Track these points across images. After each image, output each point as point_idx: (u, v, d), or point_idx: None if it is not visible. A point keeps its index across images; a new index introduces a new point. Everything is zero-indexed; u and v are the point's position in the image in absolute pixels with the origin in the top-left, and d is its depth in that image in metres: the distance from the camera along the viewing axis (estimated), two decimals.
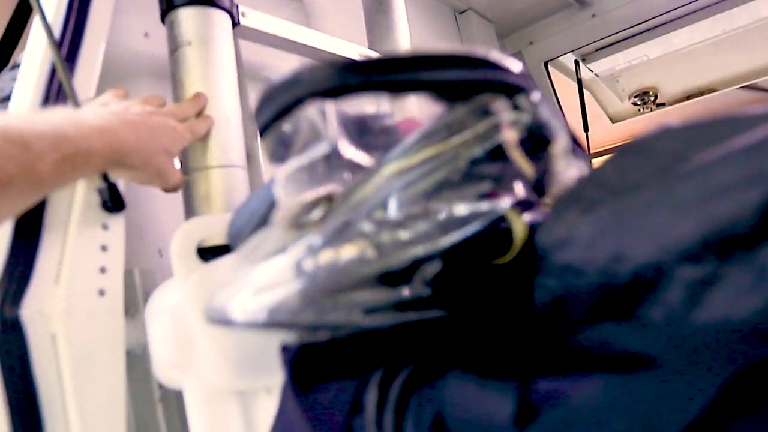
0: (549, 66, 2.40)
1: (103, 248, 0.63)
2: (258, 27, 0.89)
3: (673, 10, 2.12)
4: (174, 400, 0.72)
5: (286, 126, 0.33)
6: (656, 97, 3.07)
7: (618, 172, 0.35)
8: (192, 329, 0.52)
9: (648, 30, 2.30)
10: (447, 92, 0.34)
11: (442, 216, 0.34)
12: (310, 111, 0.32)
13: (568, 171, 0.42)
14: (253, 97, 0.83)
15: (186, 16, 0.79)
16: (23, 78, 0.69)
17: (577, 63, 2.50)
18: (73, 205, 0.62)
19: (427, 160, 0.35)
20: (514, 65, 0.37)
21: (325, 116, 0.32)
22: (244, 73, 0.95)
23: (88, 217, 0.62)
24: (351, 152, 0.33)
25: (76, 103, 0.61)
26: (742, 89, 2.83)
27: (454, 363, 0.29)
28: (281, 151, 0.35)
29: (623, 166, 0.35)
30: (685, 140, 0.34)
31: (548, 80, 2.37)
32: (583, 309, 0.31)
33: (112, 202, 0.63)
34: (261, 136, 0.35)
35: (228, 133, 0.78)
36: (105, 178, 0.62)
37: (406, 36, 1.21)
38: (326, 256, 0.32)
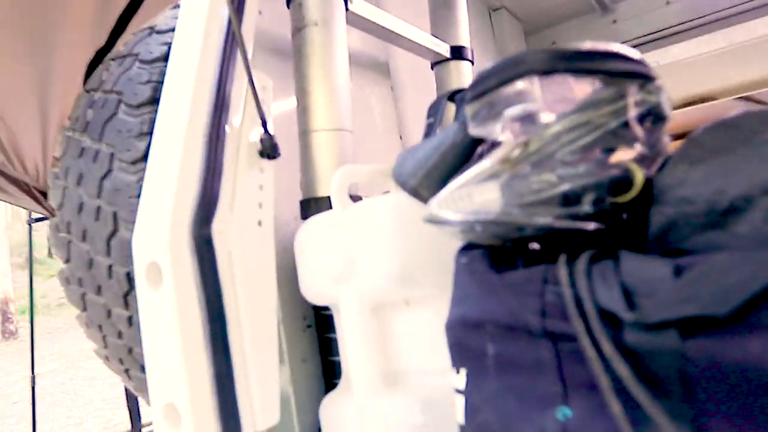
0: None
1: (260, 187, 0.78)
2: (362, 13, 1.03)
3: (686, 21, 2.28)
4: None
5: (499, 93, 0.48)
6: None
7: (712, 139, 0.51)
8: (357, 251, 0.67)
9: (661, 38, 2.46)
10: (609, 77, 0.49)
11: (599, 161, 0.50)
12: (525, 83, 0.47)
13: (667, 141, 0.58)
14: None
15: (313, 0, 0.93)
16: (187, 39, 0.82)
17: None
18: (240, 150, 0.76)
19: (587, 123, 0.50)
20: (644, 59, 0.53)
21: (534, 86, 0.47)
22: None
23: (251, 161, 0.77)
24: (545, 114, 0.49)
25: (247, 63, 0.75)
26: (740, 100, 3.03)
27: (616, 249, 0.45)
28: (485, 112, 0.50)
29: (716, 136, 0.51)
30: (758, 120, 0.50)
31: None
32: (690, 227, 0.47)
33: (269, 150, 0.77)
34: (474, 99, 0.50)
35: (341, 102, 0.93)
36: (265, 129, 0.77)
37: (467, 32, 1.36)
38: (527, 180, 0.47)
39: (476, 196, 0.48)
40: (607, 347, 0.40)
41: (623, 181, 0.51)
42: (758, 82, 2.86)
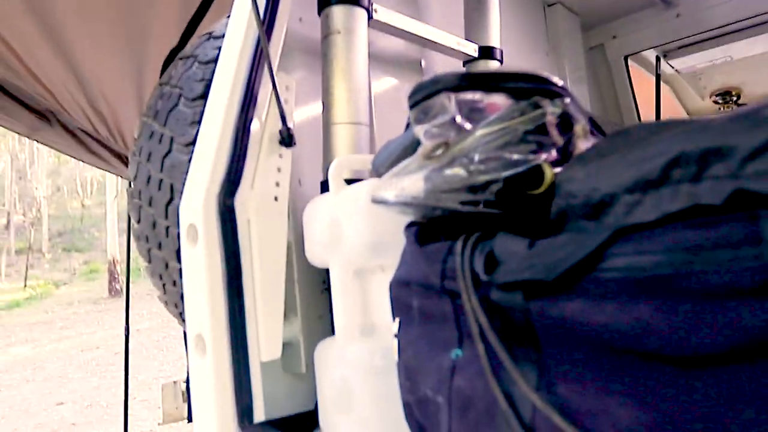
0: (629, 60, 2.54)
1: (278, 169, 0.96)
2: (387, 21, 1.18)
3: (759, 15, 2.20)
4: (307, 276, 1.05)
5: (429, 103, 0.62)
6: (739, 97, 3.12)
7: (608, 144, 0.62)
8: (341, 222, 0.83)
9: (733, 32, 2.39)
10: (517, 94, 0.62)
11: (505, 160, 0.62)
12: (443, 97, 0.60)
13: (584, 143, 0.70)
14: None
15: (337, 11, 1.09)
16: (230, 47, 1.01)
17: (658, 59, 2.62)
18: (264, 138, 0.95)
19: (501, 129, 0.63)
20: (557, 80, 0.64)
21: (451, 100, 0.61)
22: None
23: (271, 147, 0.95)
24: (460, 120, 0.62)
25: (271, 69, 0.92)
26: None
27: (500, 230, 0.58)
28: (421, 117, 0.64)
29: (612, 141, 0.62)
30: (648, 130, 0.61)
31: (626, 74, 2.52)
32: (574, 216, 0.59)
33: (287, 140, 0.95)
34: (411, 108, 0.65)
35: (359, 100, 1.08)
36: (283, 121, 0.95)
37: (497, 33, 1.47)
38: (443, 173, 0.61)
39: (406, 183, 0.63)
40: (471, 301, 0.54)
41: (536, 174, 0.64)
42: None
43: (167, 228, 1.10)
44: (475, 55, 1.44)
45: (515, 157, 0.62)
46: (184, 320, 1.22)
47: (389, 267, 0.84)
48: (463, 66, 1.49)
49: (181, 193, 1.00)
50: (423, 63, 1.51)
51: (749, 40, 2.44)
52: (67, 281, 18.03)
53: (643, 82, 2.61)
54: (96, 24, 2.06)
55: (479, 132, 0.62)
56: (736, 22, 2.27)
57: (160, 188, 1.11)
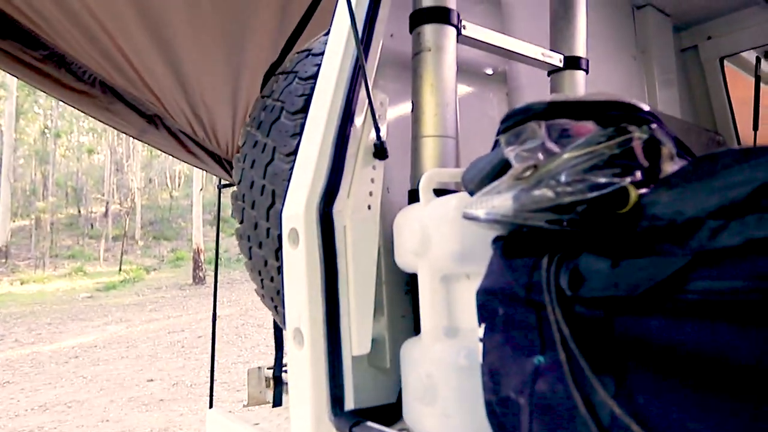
0: (726, 61, 2.44)
1: (372, 180, 1.04)
2: (474, 36, 1.23)
3: None
4: (396, 281, 1.13)
5: (519, 128, 0.67)
6: None
7: (693, 168, 0.65)
8: (430, 231, 0.90)
9: None
10: (604, 121, 0.66)
11: (590, 182, 0.67)
12: (533, 124, 0.66)
13: (670, 166, 0.72)
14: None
15: (428, 29, 1.16)
16: (329, 65, 1.10)
17: (758, 60, 2.49)
18: (359, 151, 1.03)
19: (587, 153, 0.67)
20: (644, 106, 0.68)
21: (541, 127, 0.66)
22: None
23: (366, 159, 1.04)
24: (549, 145, 0.67)
25: (367, 86, 1.00)
26: None
27: (584, 249, 0.62)
28: (512, 140, 0.69)
29: (697, 167, 0.65)
30: (734, 156, 0.63)
31: (721, 76, 2.42)
32: (659, 237, 0.63)
33: (380, 153, 1.03)
34: (502, 132, 0.70)
35: (447, 114, 1.15)
36: (378, 135, 1.02)
37: (583, 42, 1.48)
38: (531, 193, 0.66)
39: (496, 201, 0.69)
40: (556, 313, 0.59)
41: (621, 195, 0.68)
42: None
43: (268, 229, 1.22)
44: (560, 65, 1.46)
45: (601, 179, 0.66)
46: (278, 313, 1.33)
47: (474, 275, 0.90)
48: (548, 75, 1.51)
49: (282, 198, 1.11)
50: (508, 73, 1.55)
51: None
52: (156, 267, 19.31)
53: (740, 83, 2.49)
54: (201, 36, 2.24)
55: (566, 155, 0.67)
56: None
57: (262, 193, 1.23)
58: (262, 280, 1.32)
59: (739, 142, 2.47)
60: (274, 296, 1.31)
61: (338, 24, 1.16)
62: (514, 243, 0.70)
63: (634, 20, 2.25)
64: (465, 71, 1.41)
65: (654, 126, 0.67)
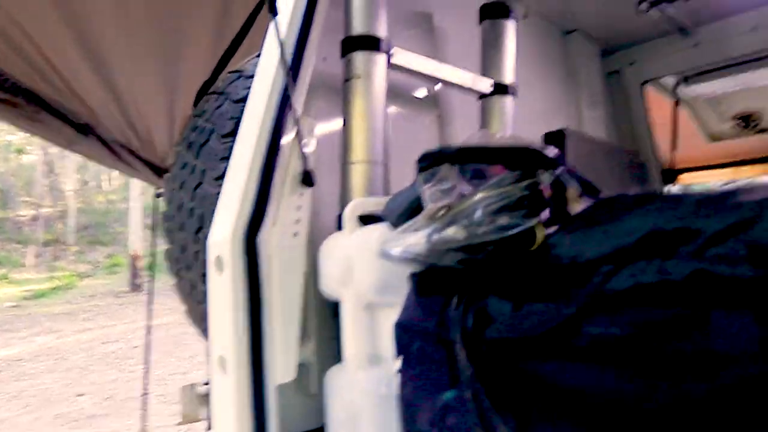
0: (648, 85, 2.58)
1: (298, 207, 1.05)
2: (404, 63, 1.26)
3: None
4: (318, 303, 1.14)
5: (434, 170, 0.70)
6: (759, 121, 3.13)
7: (593, 213, 0.70)
8: (354, 261, 0.92)
9: (752, 61, 2.41)
10: (513, 165, 0.69)
11: (500, 222, 0.70)
12: (446, 166, 0.69)
13: (576, 205, 0.77)
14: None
15: (359, 57, 1.18)
16: (258, 89, 1.10)
17: (676, 85, 2.65)
18: (287, 178, 1.04)
19: (497, 195, 0.71)
20: (551, 151, 0.72)
21: (454, 169, 0.69)
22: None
23: (293, 187, 1.04)
24: (462, 187, 0.70)
25: (296, 112, 1.01)
26: None
27: (493, 287, 0.66)
28: (428, 178, 0.72)
29: (596, 210, 0.69)
30: (629, 203, 0.68)
31: (643, 99, 2.57)
32: (560, 277, 0.66)
33: (307, 180, 1.04)
34: (419, 171, 0.73)
35: (376, 140, 1.17)
36: (305, 164, 1.03)
37: (512, 69, 1.54)
38: (443, 234, 0.69)
39: (411, 240, 0.71)
40: (463, 352, 0.62)
41: (528, 235, 0.71)
42: None
43: (196, 252, 1.20)
44: (490, 91, 1.51)
45: (509, 220, 0.70)
46: (206, 335, 1.31)
47: (397, 304, 0.92)
48: (479, 99, 1.56)
49: (210, 222, 1.09)
50: (439, 96, 1.59)
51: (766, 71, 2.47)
52: (90, 274, 18.44)
53: (662, 105, 2.64)
54: (132, 43, 2.18)
55: (478, 197, 0.70)
56: (754, 52, 2.30)
57: (191, 216, 1.21)
58: (190, 303, 1.30)
59: (658, 163, 2.62)
60: (203, 319, 1.29)
61: (269, 47, 1.16)
62: (428, 280, 0.73)
63: (564, 44, 2.35)
64: (396, 94, 1.44)
65: (560, 169, 0.71)
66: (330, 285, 1.01)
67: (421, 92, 1.55)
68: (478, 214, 0.70)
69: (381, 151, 1.18)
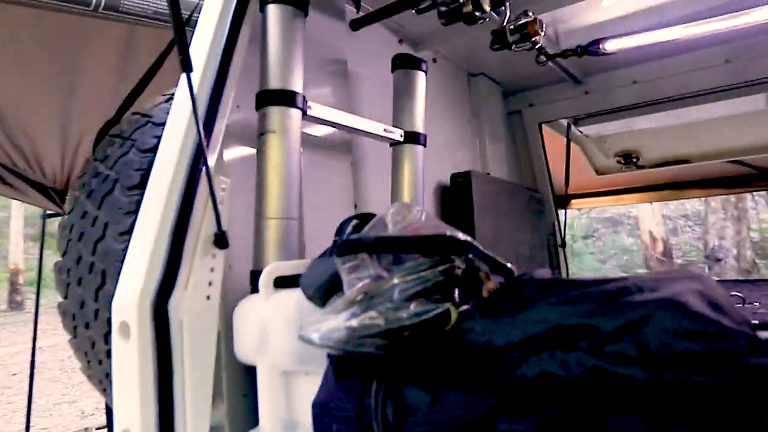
0: (545, 124, 2.79)
1: (211, 269, 1.02)
2: (319, 115, 1.27)
3: (656, 99, 2.49)
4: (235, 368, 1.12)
5: (351, 257, 0.72)
6: (638, 159, 3.48)
7: (504, 298, 0.74)
8: (269, 328, 0.91)
9: (632, 108, 2.69)
10: (428, 252, 0.73)
11: (415, 307, 0.73)
12: (363, 255, 0.71)
13: (489, 285, 0.82)
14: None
15: (274, 111, 1.17)
16: (169, 143, 1.06)
17: (569, 126, 2.89)
18: (199, 240, 1.01)
19: (413, 280, 0.74)
20: (462, 237, 0.76)
21: (372, 258, 0.71)
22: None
23: (206, 248, 1.01)
24: (378, 273, 0.72)
25: (209, 173, 0.99)
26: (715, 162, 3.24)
27: (412, 372, 0.68)
28: (346, 263, 0.74)
29: (505, 296, 0.74)
30: (535, 291, 0.73)
31: (540, 138, 2.77)
32: (473, 363, 0.71)
33: (220, 242, 1.02)
34: (338, 256, 0.74)
35: (291, 196, 1.17)
36: (218, 225, 1.01)
37: (422, 119, 1.60)
38: (360, 318, 0.71)
39: (331, 324, 0.72)
40: None
41: (443, 317, 0.75)
42: (729, 151, 3.10)
43: (96, 311, 1.13)
44: (401, 140, 1.56)
45: (425, 305, 0.73)
46: (108, 395, 1.24)
47: (314, 373, 0.92)
48: (390, 147, 1.60)
49: (114, 280, 1.04)
50: (353, 143, 1.62)
51: (645, 117, 2.76)
52: None
53: (557, 141, 2.87)
54: (19, 64, 2.02)
55: (395, 282, 0.73)
56: (634, 101, 2.56)
57: (91, 271, 1.14)
58: (88, 361, 1.22)
59: (554, 196, 2.83)
60: (103, 379, 1.22)
61: (180, 101, 1.12)
62: (346, 364, 0.75)
63: (469, 86, 2.48)
64: (312, 142, 1.45)
65: (471, 255, 0.76)
66: (245, 351, 0.99)
67: (336, 140, 1.57)
68: (396, 299, 0.72)
69: (296, 207, 1.18)
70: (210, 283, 1.02)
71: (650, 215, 10.98)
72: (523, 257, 2.38)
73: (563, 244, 2.82)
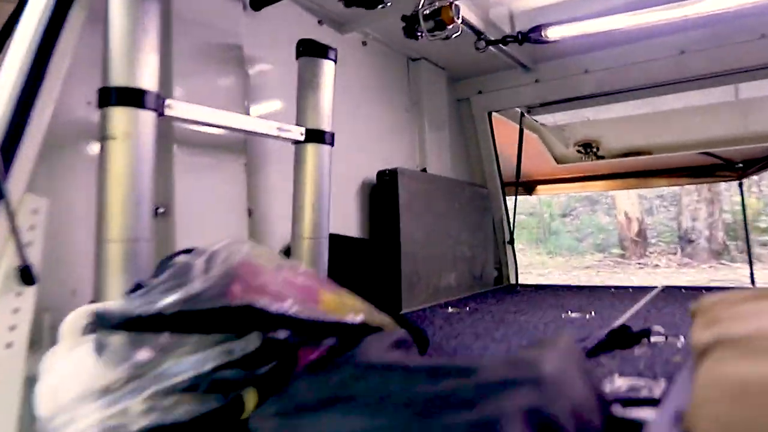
0: (496, 113, 2.61)
1: (15, 310, 0.84)
2: (183, 115, 1.08)
3: (613, 89, 2.33)
4: None
5: (106, 334, 0.55)
6: (598, 148, 3.33)
7: (306, 386, 0.58)
8: (61, 400, 0.74)
9: (587, 98, 2.52)
10: (215, 329, 0.56)
11: (200, 395, 0.57)
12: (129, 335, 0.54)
13: (307, 355, 0.66)
14: None
15: (117, 114, 0.98)
16: None
17: (522, 114, 2.71)
18: None
19: (196, 360, 0.57)
20: (274, 308, 0.59)
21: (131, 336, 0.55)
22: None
23: (7, 287, 0.83)
24: (149, 356, 0.56)
25: (7, 196, 0.81)
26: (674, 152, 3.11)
27: None
28: (100, 346, 0.57)
29: (306, 388, 0.58)
30: (347, 380, 0.57)
31: (489, 127, 2.59)
32: None
33: (27, 278, 0.84)
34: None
35: (140, 214, 0.98)
36: (23, 257, 0.83)
37: (328, 116, 1.41)
38: (118, 408, 0.54)
39: (81, 420, 0.55)
40: None
41: (239, 405, 0.59)
42: (690, 144, 2.97)
43: None
44: (302, 139, 1.38)
45: (208, 398, 0.57)
46: None
47: None
48: (293, 145, 1.42)
49: None
50: (249, 143, 1.43)
51: (603, 107, 2.59)
52: None
53: (512, 129, 2.69)
54: None
55: (165, 365, 0.56)
56: (589, 93, 2.38)
57: None
58: None
59: (503, 190, 2.66)
60: None
61: None
62: None
63: (408, 71, 2.28)
64: (190, 141, 1.26)
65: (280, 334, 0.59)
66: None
67: (225, 138, 1.38)
68: (167, 386, 0.56)
69: (147, 227, 1.00)
70: (12, 328, 0.84)
71: (626, 194, 10.90)
72: (463, 259, 2.22)
73: (511, 241, 2.67)
